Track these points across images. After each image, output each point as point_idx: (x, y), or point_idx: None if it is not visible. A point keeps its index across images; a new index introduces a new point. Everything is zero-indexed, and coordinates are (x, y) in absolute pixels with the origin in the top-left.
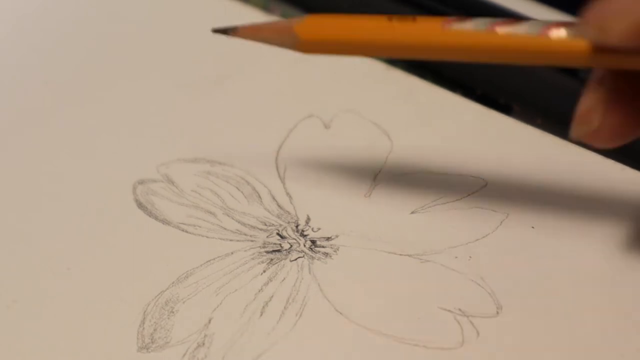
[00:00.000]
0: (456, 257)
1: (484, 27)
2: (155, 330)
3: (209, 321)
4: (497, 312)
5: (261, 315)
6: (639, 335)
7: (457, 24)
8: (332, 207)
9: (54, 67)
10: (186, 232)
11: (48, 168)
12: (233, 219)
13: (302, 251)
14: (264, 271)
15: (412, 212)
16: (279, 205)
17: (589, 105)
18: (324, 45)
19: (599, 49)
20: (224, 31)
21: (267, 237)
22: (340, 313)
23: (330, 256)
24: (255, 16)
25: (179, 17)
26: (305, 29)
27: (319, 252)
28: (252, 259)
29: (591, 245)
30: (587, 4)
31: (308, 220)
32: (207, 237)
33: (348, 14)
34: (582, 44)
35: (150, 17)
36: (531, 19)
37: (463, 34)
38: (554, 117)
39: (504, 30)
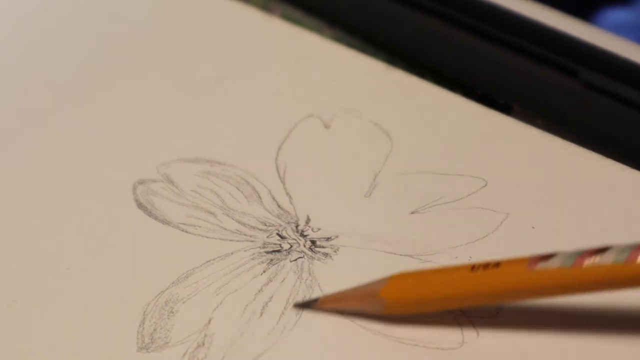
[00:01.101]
0: (456, 257)
1: (570, 263)
2: (155, 330)
3: (209, 321)
4: (497, 313)
5: (261, 315)
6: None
7: (543, 263)
8: (332, 207)
9: (54, 67)
10: (186, 232)
11: (48, 168)
12: (233, 219)
13: (302, 251)
14: (264, 271)
15: (412, 212)
16: (278, 206)
17: None
18: (411, 305)
19: None
20: (307, 305)
21: (267, 237)
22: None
23: (330, 256)
24: (255, 16)
25: (179, 17)
26: (391, 293)
27: (319, 252)
28: (252, 259)
29: (591, 245)
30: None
31: (308, 220)
32: (207, 237)
33: (430, 269)
34: None
35: (150, 17)
36: (615, 245)
37: (550, 273)
38: (554, 117)
39: (590, 262)
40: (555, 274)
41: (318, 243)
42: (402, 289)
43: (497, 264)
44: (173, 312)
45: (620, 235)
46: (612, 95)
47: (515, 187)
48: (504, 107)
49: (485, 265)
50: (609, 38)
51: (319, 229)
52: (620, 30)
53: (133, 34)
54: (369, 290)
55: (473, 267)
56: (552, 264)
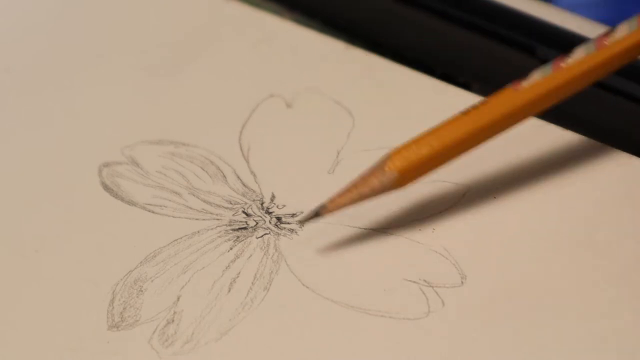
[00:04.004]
0: (420, 230)
1: (550, 71)
2: (124, 309)
3: (178, 298)
4: (462, 282)
5: (229, 291)
6: (602, 301)
7: (526, 81)
8: (297, 184)
9: (15, 53)
10: (152, 212)
11: (14, 153)
12: (198, 198)
13: (268, 228)
14: (231, 248)
15: None
16: (243, 184)
17: None
18: (420, 168)
19: None
20: (314, 215)
21: (233, 215)
22: (308, 287)
23: (296, 232)
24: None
25: (140, 1)
26: (397, 162)
27: (284, 228)
28: (219, 236)
29: (551, 212)
30: None
31: (273, 197)
32: (173, 216)
33: (423, 133)
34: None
35: (112, 1)
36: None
37: (536, 86)
38: None
39: (567, 63)
40: (540, 85)
41: (283, 219)
42: (405, 155)
43: (484, 100)
44: (142, 291)
45: (579, 200)
46: None
47: (476, 159)
48: (464, 86)
49: (474, 106)
50: (565, 16)
51: (284, 206)
52: (576, 8)
53: (95, 19)
54: (373, 170)
55: (463, 112)
56: (534, 77)
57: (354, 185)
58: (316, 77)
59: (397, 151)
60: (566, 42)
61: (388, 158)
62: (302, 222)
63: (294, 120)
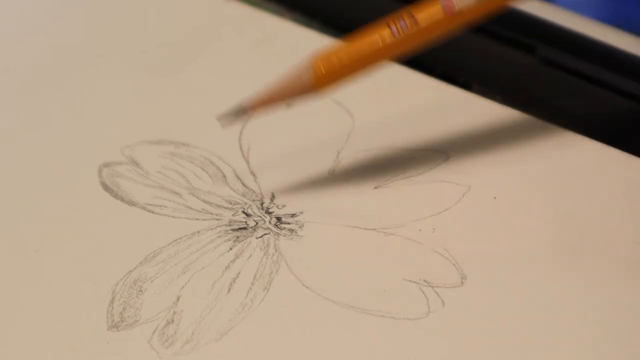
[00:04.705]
0: (420, 230)
1: None
2: (124, 309)
3: (177, 299)
4: (462, 282)
5: (229, 291)
6: (602, 301)
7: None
8: (297, 184)
9: (15, 54)
10: (152, 212)
11: (14, 153)
12: (198, 198)
13: (268, 228)
14: (231, 248)
15: (376, 187)
16: (243, 184)
17: None
18: (340, 72)
19: None
20: (234, 115)
21: (233, 215)
22: (308, 287)
23: (296, 232)
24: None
25: (140, 1)
26: (318, 66)
27: (284, 228)
28: (219, 237)
29: (551, 212)
30: None
31: (273, 197)
32: (173, 217)
33: (346, 43)
34: None
35: (112, 2)
36: None
37: (469, 8)
38: (512, 94)
39: None
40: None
41: (283, 219)
42: (327, 61)
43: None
44: (142, 291)
45: (579, 200)
46: (569, 70)
47: (476, 159)
48: (464, 85)
49: (397, 19)
50: (565, 15)
51: (284, 206)
52: (576, 7)
53: (95, 19)
54: (294, 72)
55: (388, 24)
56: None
57: (274, 85)
58: None
59: (319, 54)
60: (566, 41)
61: (310, 59)
62: (223, 122)
63: (294, 120)
